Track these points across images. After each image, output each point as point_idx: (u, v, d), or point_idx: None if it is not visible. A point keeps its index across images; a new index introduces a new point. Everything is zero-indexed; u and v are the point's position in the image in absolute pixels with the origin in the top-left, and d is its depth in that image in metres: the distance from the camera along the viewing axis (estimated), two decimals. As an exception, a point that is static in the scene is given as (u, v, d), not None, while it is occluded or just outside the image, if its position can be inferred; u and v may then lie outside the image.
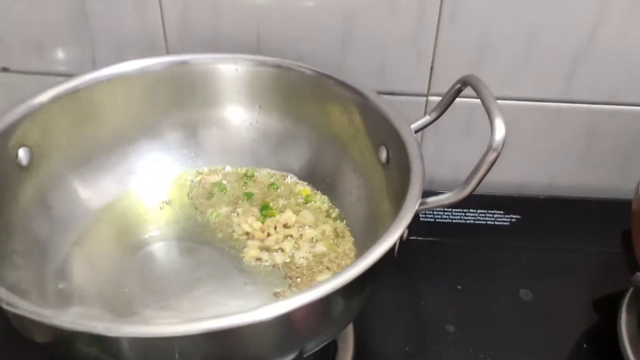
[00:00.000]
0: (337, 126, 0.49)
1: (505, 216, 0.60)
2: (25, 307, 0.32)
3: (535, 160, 0.63)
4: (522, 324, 0.50)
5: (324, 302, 0.34)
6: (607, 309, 0.51)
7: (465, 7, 0.54)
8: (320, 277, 0.45)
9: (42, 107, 0.45)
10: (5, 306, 0.32)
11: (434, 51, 0.57)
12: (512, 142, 0.62)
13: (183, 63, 0.51)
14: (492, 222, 0.60)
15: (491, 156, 0.36)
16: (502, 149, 0.36)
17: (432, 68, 0.58)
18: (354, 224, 0.49)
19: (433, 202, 0.38)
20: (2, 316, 0.33)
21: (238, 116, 0.53)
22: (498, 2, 0.54)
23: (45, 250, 0.45)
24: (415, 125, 0.45)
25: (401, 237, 0.36)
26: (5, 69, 0.62)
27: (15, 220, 0.43)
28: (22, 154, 0.45)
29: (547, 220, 0.60)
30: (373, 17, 0.55)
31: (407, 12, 0.55)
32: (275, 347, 0.36)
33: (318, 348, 0.38)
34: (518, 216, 0.60)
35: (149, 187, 0.52)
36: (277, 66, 0.50)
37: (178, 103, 0.52)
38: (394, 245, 0.35)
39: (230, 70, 0.51)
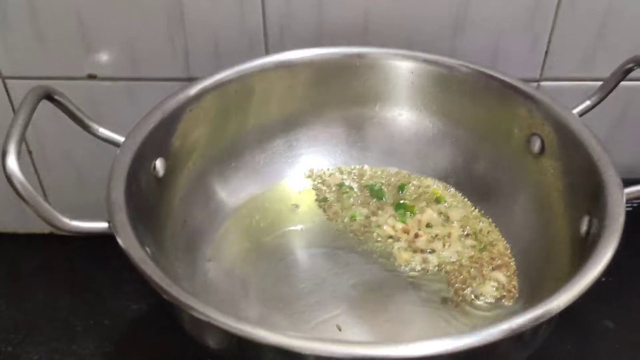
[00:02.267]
0: (486, 121, 0.47)
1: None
2: (211, 315, 0.30)
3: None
4: None
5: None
6: None
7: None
8: (493, 278, 0.43)
9: (177, 111, 0.42)
10: (194, 313, 0.30)
11: (551, 34, 0.55)
12: (625, 124, 0.60)
13: (359, 56, 0.49)
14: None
15: None
16: None
17: (547, 52, 0.56)
18: (501, 220, 0.47)
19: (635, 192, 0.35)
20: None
21: (400, 117, 0.50)
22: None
23: (191, 258, 0.43)
24: (576, 111, 0.42)
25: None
26: (91, 77, 0.59)
27: (167, 233, 0.41)
28: (159, 165, 0.42)
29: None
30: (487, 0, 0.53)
31: (524, -7, 0.52)
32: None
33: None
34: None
35: (286, 186, 0.50)
36: (439, 64, 0.48)
37: (320, 100, 0.49)
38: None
39: (406, 67, 0.49)
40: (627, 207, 0.50)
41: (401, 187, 0.50)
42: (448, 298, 0.42)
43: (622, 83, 0.43)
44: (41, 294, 0.54)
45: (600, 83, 0.55)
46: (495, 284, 0.42)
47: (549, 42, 0.55)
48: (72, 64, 0.57)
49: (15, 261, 0.58)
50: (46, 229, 0.62)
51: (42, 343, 0.49)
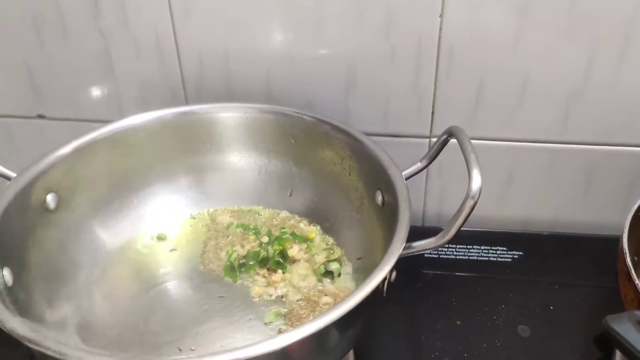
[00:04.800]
0: (336, 170, 0.53)
1: (508, 252, 0.62)
2: (49, 345, 0.35)
3: (538, 198, 0.65)
4: (517, 360, 0.51)
5: (315, 338, 0.36)
6: (606, 344, 0.52)
7: (461, 56, 0.57)
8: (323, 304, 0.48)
9: (66, 157, 0.50)
10: (31, 345, 0.36)
11: (434, 97, 0.60)
12: (514, 180, 0.64)
13: (191, 113, 0.56)
14: (495, 259, 0.62)
15: (469, 203, 0.38)
16: (478, 197, 0.39)
17: (433, 112, 0.61)
18: (354, 261, 0.52)
19: (418, 247, 0.41)
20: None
21: (244, 160, 0.57)
22: (492, 51, 0.56)
23: (67, 288, 0.50)
24: (407, 172, 0.48)
25: (387, 278, 0.39)
26: (41, 116, 0.68)
27: (40, 260, 0.48)
28: (50, 198, 0.50)
29: (549, 256, 0.62)
30: (374, 65, 0.59)
31: (406, 61, 0.58)
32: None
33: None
34: (521, 252, 0.62)
35: (162, 228, 0.56)
36: (278, 113, 0.55)
37: (188, 150, 0.57)
38: (377, 288, 0.38)
39: (235, 117, 0.56)
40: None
41: (281, 228, 0.56)
42: (283, 330, 0.47)
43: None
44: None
45: (482, 142, 0.61)
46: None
47: (433, 103, 0.61)
48: (24, 105, 0.67)
49: None
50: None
51: None
